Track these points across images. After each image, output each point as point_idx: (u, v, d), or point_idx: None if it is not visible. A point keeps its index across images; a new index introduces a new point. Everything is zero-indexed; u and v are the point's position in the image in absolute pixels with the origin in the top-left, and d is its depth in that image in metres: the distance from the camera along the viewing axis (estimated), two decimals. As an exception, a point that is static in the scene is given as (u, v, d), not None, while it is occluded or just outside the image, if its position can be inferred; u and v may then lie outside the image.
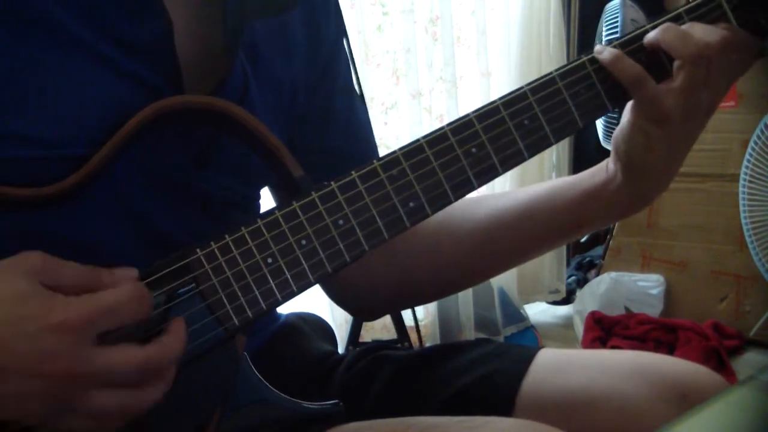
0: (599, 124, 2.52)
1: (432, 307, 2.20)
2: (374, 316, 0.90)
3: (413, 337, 2.11)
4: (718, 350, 1.99)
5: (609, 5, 2.25)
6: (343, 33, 0.81)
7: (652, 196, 0.74)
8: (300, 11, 0.74)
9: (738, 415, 0.52)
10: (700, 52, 0.65)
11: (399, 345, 1.92)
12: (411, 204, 0.63)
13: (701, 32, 0.66)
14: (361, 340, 1.97)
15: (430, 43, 2.18)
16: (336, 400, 0.65)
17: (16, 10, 0.58)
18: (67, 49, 0.59)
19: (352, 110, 0.82)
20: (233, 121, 0.62)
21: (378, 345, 0.87)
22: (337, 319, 2.04)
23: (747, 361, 2.04)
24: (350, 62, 0.83)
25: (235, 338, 0.59)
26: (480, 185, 0.65)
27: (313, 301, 2.00)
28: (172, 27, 0.62)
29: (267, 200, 0.79)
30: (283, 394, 0.63)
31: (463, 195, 0.65)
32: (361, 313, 0.89)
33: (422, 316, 2.24)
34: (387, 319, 2.04)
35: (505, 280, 2.39)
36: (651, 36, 0.67)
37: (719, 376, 0.73)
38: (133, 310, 0.52)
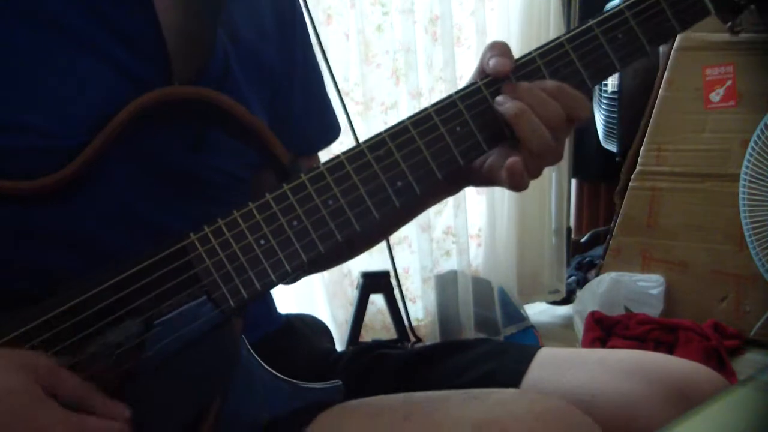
0: (599, 124, 2.52)
1: (432, 306, 2.20)
2: (292, 282, 0.94)
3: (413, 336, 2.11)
4: (719, 350, 1.99)
5: (609, 5, 2.25)
6: (296, 6, 0.84)
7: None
8: None
9: (738, 415, 0.52)
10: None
11: (399, 345, 1.92)
12: (399, 183, 0.64)
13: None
14: (360, 339, 1.97)
15: (430, 43, 2.18)
16: (337, 380, 0.66)
17: (11, 1, 0.59)
18: (60, 40, 0.61)
19: (309, 82, 0.85)
20: (223, 112, 0.63)
21: (378, 344, 0.87)
22: (337, 318, 2.04)
23: (747, 361, 2.04)
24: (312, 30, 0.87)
25: (232, 321, 0.60)
26: (466, 163, 0.67)
27: (313, 302, 2.00)
28: (157, 16, 0.64)
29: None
30: (283, 376, 0.64)
31: (450, 171, 0.66)
32: None
33: (422, 316, 2.24)
34: (387, 319, 2.04)
35: (505, 280, 2.39)
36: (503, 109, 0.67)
37: (719, 375, 0.73)
38: None
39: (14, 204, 0.59)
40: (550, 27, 2.44)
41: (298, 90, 0.82)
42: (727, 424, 0.51)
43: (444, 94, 2.54)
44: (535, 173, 0.68)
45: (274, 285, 0.62)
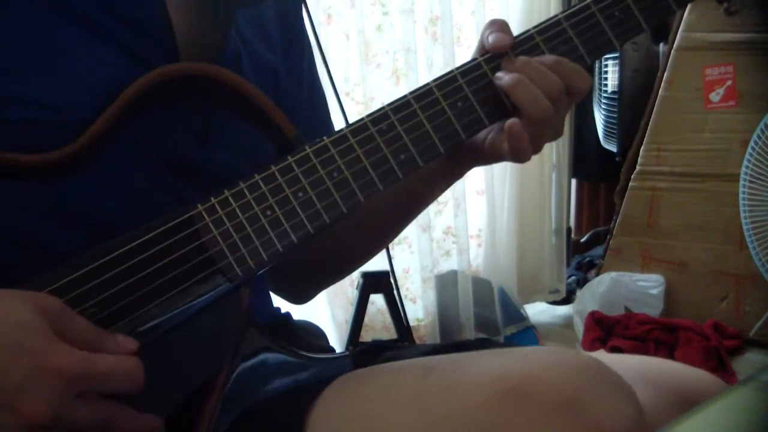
0: (599, 124, 2.52)
1: (432, 307, 2.20)
2: (307, 298, 0.94)
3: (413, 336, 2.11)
4: (719, 350, 1.99)
5: None
6: (301, 15, 0.85)
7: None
8: (272, 6, 0.78)
9: (738, 415, 0.52)
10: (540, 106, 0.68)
11: (399, 345, 1.92)
12: (402, 156, 0.66)
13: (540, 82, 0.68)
14: (360, 339, 1.97)
15: (430, 43, 2.18)
16: (345, 351, 0.67)
17: None
18: (68, 20, 0.62)
19: (314, 90, 0.86)
20: (224, 86, 0.64)
21: (378, 344, 0.87)
22: (337, 318, 2.04)
23: (747, 361, 2.04)
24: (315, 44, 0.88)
25: (239, 292, 0.61)
26: (468, 136, 0.68)
27: (313, 302, 2.00)
28: (166, 3, 0.64)
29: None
30: (291, 347, 0.65)
31: (453, 145, 0.68)
32: (294, 297, 0.95)
33: (422, 316, 2.24)
34: (387, 319, 2.04)
35: (505, 280, 2.39)
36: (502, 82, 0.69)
37: (722, 381, 0.73)
38: (124, 384, 0.54)
39: (18, 177, 0.59)
40: (550, 27, 2.44)
41: (304, 99, 0.83)
42: (727, 424, 0.50)
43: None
44: (536, 143, 0.69)
45: (280, 255, 0.62)
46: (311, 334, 0.89)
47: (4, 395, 0.49)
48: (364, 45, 2.06)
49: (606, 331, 2.13)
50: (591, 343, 2.09)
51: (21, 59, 0.59)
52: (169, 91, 0.63)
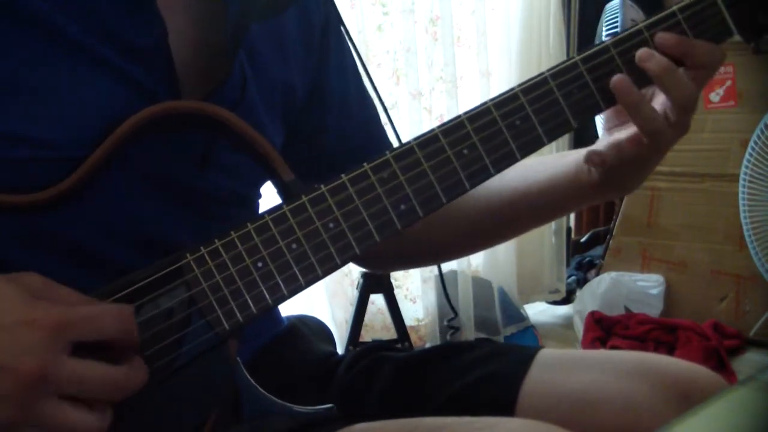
0: (599, 124, 2.52)
1: (432, 307, 2.20)
2: (389, 269, 0.96)
3: (413, 336, 2.11)
4: (718, 350, 1.99)
5: (609, 5, 2.25)
6: (338, 22, 0.82)
7: (627, 192, 0.78)
8: (294, 11, 0.75)
9: (738, 415, 0.52)
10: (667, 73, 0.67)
11: (399, 345, 1.92)
12: (402, 206, 0.63)
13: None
14: (361, 339, 1.97)
15: (430, 43, 2.18)
16: (330, 405, 0.65)
17: (15, 11, 0.58)
18: (64, 51, 0.60)
19: (348, 91, 0.83)
20: (224, 126, 0.62)
21: (378, 345, 0.87)
22: (337, 318, 2.04)
23: (747, 361, 2.04)
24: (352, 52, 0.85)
25: (227, 343, 0.59)
26: (472, 186, 0.65)
27: (313, 302, 2.00)
28: (166, 30, 0.62)
29: (268, 200, 0.79)
30: (275, 398, 0.63)
31: (455, 197, 0.64)
32: (373, 265, 0.97)
33: (422, 316, 2.24)
34: (387, 319, 2.04)
35: (505, 280, 2.39)
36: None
37: (719, 377, 0.73)
38: (111, 325, 0.52)
39: (16, 213, 0.59)
40: (550, 27, 2.44)
41: (331, 112, 0.80)
42: (727, 424, 0.50)
43: (444, 94, 2.52)
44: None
45: (270, 309, 0.60)
46: (316, 336, 0.89)
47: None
48: (364, 45, 2.06)
49: (606, 331, 2.14)
50: (591, 343, 2.10)
51: (15, 96, 0.58)
52: (167, 126, 0.61)
